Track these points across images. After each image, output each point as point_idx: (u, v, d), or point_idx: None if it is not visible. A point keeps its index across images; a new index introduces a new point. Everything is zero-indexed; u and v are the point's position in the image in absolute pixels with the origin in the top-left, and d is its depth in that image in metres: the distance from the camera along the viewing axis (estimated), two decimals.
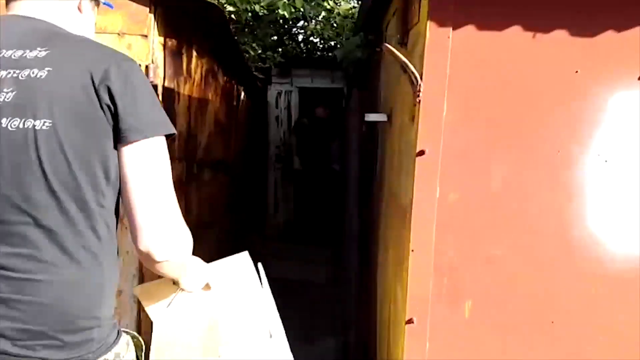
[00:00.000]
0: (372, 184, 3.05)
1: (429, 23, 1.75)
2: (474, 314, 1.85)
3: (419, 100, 1.78)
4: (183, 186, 3.33)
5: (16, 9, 1.10)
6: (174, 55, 3.05)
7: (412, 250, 1.81)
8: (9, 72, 0.98)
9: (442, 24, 1.75)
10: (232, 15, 5.10)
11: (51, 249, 0.96)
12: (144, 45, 2.72)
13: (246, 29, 5.02)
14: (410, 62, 1.86)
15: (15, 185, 0.95)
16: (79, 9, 1.16)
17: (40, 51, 0.99)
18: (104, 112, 0.97)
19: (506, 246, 1.83)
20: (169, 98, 2.95)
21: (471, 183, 1.81)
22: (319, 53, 7.46)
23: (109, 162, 0.99)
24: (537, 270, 1.83)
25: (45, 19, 1.09)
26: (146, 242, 1.01)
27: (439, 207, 1.81)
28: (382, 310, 2.47)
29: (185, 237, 1.08)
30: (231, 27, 4.55)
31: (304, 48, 8.64)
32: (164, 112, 1.08)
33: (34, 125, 0.94)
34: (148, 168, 1.02)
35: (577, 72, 1.77)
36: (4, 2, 1.14)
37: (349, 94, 6.61)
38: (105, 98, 0.97)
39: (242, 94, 5.51)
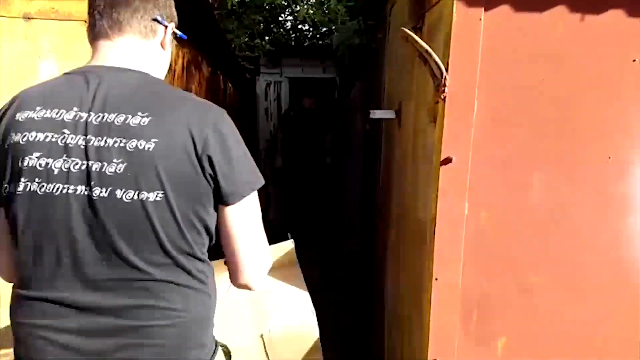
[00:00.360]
0: (375, 188, 2.72)
1: (455, 3, 1.42)
2: (508, 353, 1.55)
3: (444, 97, 1.45)
4: None
5: (103, 53, 1.11)
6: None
7: (436, 279, 1.50)
8: (116, 141, 1.00)
9: (471, 3, 1.43)
10: (216, 1, 4.73)
11: (170, 296, 1.07)
12: None
13: (232, 16, 4.65)
14: (422, 53, 1.54)
15: (133, 250, 1.03)
16: (162, 45, 1.18)
17: (142, 117, 1.01)
18: (206, 179, 1.04)
19: (546, 273, 1.53)
20: None
21: (506, 198, 1.50)
22: (308, 41, 7.08)
23: (211, 221, 1.09)
24: (583, 301, 1.53)
25: (136, 67, 1.10)
26: (246, 279, 1.16)
27: (468, 227, 1.50)
28: (393, 341, 2.16)
29: (268, 265, 1.23)
30: (215, 13, 4.20)
31: (292, 36, 8.28)
32: (253, 162, 1.14)
33: (147, 198, 1.00)
34: (247, 221, 1.13)
35: (634, 61, 1.45)
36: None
37: (342, 85, 6.26)
38: (207, 168, 1.03)
39: (229, 86, 5.15)
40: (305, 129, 6.62)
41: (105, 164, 0.99)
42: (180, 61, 3.20)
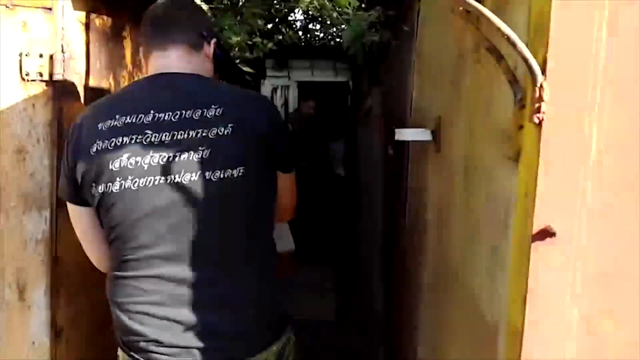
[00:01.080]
0: (397, 225, 2.08)
1: None
2: None
3: (539, 120, 0.81)
4: None
5: (161, 63, 1.30)
6: (109, 40, 2.08)
7: None
8: (198, 132, 1.17)
9: None
10: None
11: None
12: (48, 25, 1.76)
13: (230, 12, 4.06)
14: (493, 41, 0.90)
15: (221, 224, 1.22)
16: (207, 55, 1.37)
17: (216, 109, 1.19)
18: (271, 153, 1.27)
19: None
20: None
21: None
22: (319, 41, 6.45)
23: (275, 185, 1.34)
24: None
25: (191, 72, 1.28)
26: (290, 216, 1.50)
27: (580, 345, 0.85)
28: None
29: None
30: (210, 6, 3.59)
31: (302, 37, 7.67)
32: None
33: (232, 174, 1.17)
34: (293, 183, 1.42)
35: None
36: None
37: (356, 89, 5.61)
38: (271, 144, 1.26)
39: None
40: (306, 137, 5.97)
41: (192, 152, 1.15)
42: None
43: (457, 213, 1.29)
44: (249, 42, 4.23)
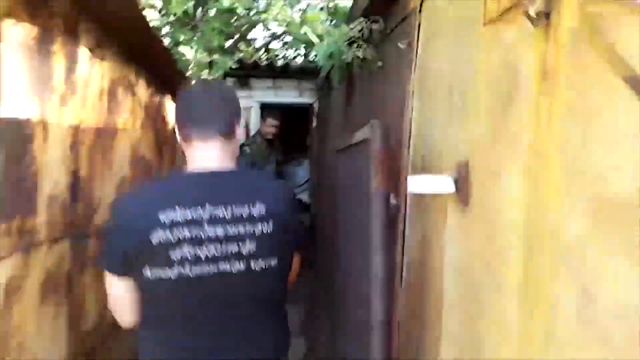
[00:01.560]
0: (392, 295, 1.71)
1: None
2: None
3: None
4: (69, 285, 1.94)
5: (202, 155, 1.40)
6: (35, 54, 1.65)
7: None
8: (247, 228, 1.34)
9: None
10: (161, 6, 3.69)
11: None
12: None
13: (186, 25, 3.66)
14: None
15: (251, 307, 1.44)
16: (238, 135, 1.48)
17: (259, 206, 1.35)
18: (294, 239, 1.48)
19: None
20: (18, 132, 1.56)
21: None
22: (283, 60, 6.09)
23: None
24: None
25: (228, 164, 1.43)
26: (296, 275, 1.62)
27: None
28: None
29: None
30: (165, 19, 3.17)
31: (263, 55, 7.30)
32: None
33: (269, 264, 1.38)
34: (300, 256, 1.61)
35: None
36: None
37: (322, 112, 5.28)
38: (294, 231, 1.47)
39: None
40: (264, 159, 5.54)
41: (242, 244, 1.34)
42: (98, 80, 2.16)
43: (498, 292, 0.93)
44: (207, 60, 3.81)
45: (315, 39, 3.29)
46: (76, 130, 2.01)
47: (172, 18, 3.94)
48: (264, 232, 1.34)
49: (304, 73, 5.95)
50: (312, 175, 6.34)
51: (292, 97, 6.25)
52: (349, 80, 3.15)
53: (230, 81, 6.13)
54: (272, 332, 1.49)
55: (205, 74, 3.75)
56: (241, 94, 6.15)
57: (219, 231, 1.31)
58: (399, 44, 1.72)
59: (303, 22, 3.80)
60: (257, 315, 1.44)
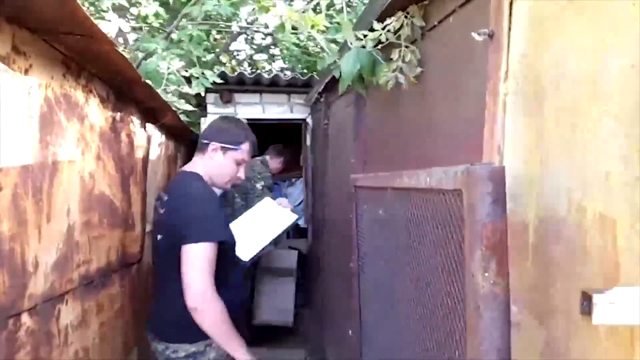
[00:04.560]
0: None
1: None
2: None
3: None
4: None
5: (190, 163, 2.24)
6: None
7: None
8: (162, 211, 2.11)
9: None
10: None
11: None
12: None
13: (158, 33, 3.04)
14: None
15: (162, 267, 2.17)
16: (210, 157, 2.19)
17: (167, 196, 2.12)
18: (180, 228, 1.97)
19: None
20: None
21: None
22: (268, 74, 5.47)
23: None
24: None
25: (195, 170, 2.17)
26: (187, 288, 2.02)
27: None
28: None
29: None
30: (133, 26, 2.52)
31: (247, 69, 6.70)
32: (207, 221, 2.00)
33: (157, 237, 2.15)
34: (187, 257, 1.95)
35: None
36: None
37: (320, 128, 4.65)
38: (176, 216, 2.05)
39: (155, 136, 3.44)
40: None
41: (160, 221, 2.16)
42: (25, 103, 1.51)
43: None
44: (185, 73, 3.17)
45: (327, 47, 2.66)
46: None
47: (141, 25, 3.31)
48: (162, 213, 2.11)
49: (295, 86, 5.34)
50: (309, 198, 5.70)
51: (282, 113, 5.62)
52: (357, 93, 2.53)
53: (211, 97, 5.50)
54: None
55: (180, 89, 3.10)
56: (225, 111, 5.52)
57: (161, 211, 2.14)
58: (474, 35, 1.10)
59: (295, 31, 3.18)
60: (166, 273, 2.09)
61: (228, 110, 5.54)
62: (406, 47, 1.53)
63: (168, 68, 2.93)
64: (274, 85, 5.39)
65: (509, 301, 0.71)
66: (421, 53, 1.58)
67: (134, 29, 3.84)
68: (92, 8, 4.41)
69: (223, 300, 1.92)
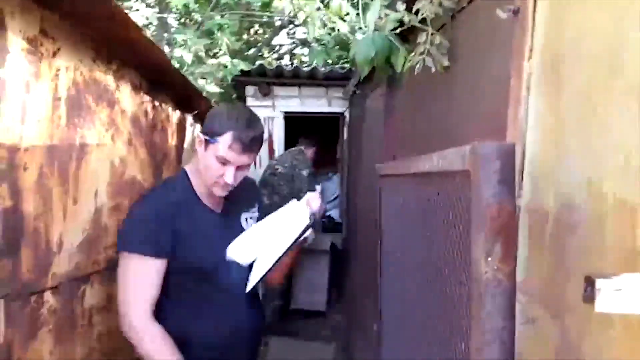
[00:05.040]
0: None
1: None
2: None
3: None
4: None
5: None
6: None
7: None
8: None
9: None
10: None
11: None
12: None
13: (185, 23, 3.06)
14: None
15: None
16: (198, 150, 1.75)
17: None
18: None
19: None
20: None
21: None
22: (306, 68, 5.45)
23: None
24: None
25: (187, 166, 1.90)
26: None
27: None
28: None
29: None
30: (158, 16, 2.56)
31: (289, 62, 6.71)
32: (125, 228, 1.79)
33: None
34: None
35: None
36: None
37: (355, 121, 4.60)
38: None
39: (193, 127, 3.48)
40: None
41: None
42: (51, 86, 1.53)
43: None
44: (213, 59, 3.17)
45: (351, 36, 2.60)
46: (12, 152, 1.39)
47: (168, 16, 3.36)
48: None
49: (333, 79, 5.31)
50: (344, 193, 5.66)
51: (320, 106, 5.60)
52: (390, 82, 2.48)
53: (251, 90, 5.53)
54: None
55: (207, 80, 3.11)
56: (263, 103, 5.54)
57: None
58: (499, 12, 1.04)
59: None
60: None
61: (266, 103, 5.56)
62: (432, 32, 1.47)
63: (194, 56, 2.94)
64: (312, 78, 5.37)
65: (514, 289, 0.65)
66: (451, 36, 1.52)
67: (160, 20, 3.89)
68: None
69: (198, 329, 1.71)
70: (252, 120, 1.68)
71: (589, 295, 0.48)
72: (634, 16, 0.67)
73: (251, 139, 1.63)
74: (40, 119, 1.53)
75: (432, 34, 1.45)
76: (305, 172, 4.92)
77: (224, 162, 1.64)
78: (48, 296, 1.62)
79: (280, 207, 2.03)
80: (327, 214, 6.31)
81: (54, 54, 1.59)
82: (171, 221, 1.70)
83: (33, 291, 1.53)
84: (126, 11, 1.70)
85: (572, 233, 0.78)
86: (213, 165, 1.65)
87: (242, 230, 1.84)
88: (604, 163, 0.72)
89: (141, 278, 1.63)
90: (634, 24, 0.67)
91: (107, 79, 2.00)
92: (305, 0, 2.63)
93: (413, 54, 1.52)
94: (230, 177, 1.64)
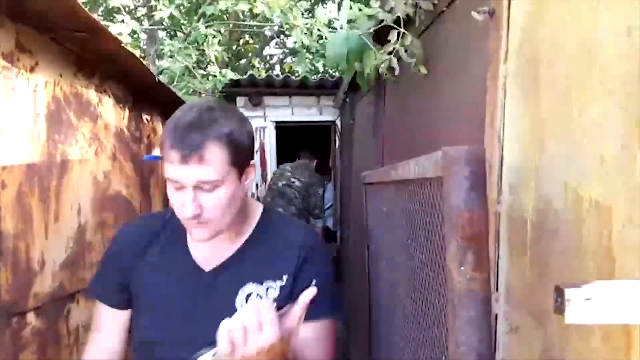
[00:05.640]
0: None
1: None
2: None
3: None
4: None
5: None
6: None
7: None
8: None
9: None
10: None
11: None
12: None
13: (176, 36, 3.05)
14: None
15: None
16: None
17: None
18: None
19: None
20: None
21: None
22: (298, 76, 5.44)
23: None
24: None
25: None
26: None
27: None
28: None
29: None
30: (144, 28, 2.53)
31: (279, 72, 6.71)
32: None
33: None
34: None
35: None
36: None
37: (347, 130, 4.59)
38: None
39: None
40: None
41: None
42: (31, 101, 1.51)
43: None
44: (199, 70, 3.15)
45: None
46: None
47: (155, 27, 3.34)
48: None
49: (324, 88, 5.30)
50: (337, 201, 5.64)
51: (311, 115, 5.59)
52: (377, 89, 2.46)
53: (241, 100, 5.52)
54: None
55: (191, 93, 3.08)
56: (254, 114, 5.53)
57: None
58: (474, 14, 1.02)
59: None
60: None
61: (258, 113, 5.55)
62: (417, 36, 1.46)
63: (183, 68, 2.93)
64: (303, 87, 5.36)
65: (489, 298, 0.63)
66: (430, 41, 1.50)
67: (149, 33, 3.88)
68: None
69: None
70: (203, 118, 1.04)
71: (559, 306, 0.46)
72: (608, 11, 0.66)
73: (192, 143, 1.00)
74: (18, 136, 1.51)
75: (402, 34, 1.44)
76: (320, 192, 5.04)
77: (177, 185, 1.05)
78: (31, 317, 1.59)
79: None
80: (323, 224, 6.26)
81: (32, 69, 1.57)
82: (133, 264, 1.22)
83: (14, 312, 1.50)
84: (106, 24, 1.68)
85: (552, 238, 0.76)
86: (170, 195, 1.08)
87: (233, 310, 0.95)
88: (580, 165, 0.70)
89: (96, 317, 1.26)
90: (608, 10, 0.66)
91: (89, 92, 1.98)
92: (288, 10, 2.62)
93: (382, 51, 1.51)
94: (188, 205, 1.03)
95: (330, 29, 2.65)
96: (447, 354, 0.77)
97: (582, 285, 0.46)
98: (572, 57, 0.74)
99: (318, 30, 2.39)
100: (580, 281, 0.52)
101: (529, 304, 0.84)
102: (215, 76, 3.10)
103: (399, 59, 1.54)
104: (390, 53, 1.46)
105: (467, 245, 0.62)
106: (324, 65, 5.52)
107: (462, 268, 0.62)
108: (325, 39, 2.83)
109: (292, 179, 4.95)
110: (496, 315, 0.87)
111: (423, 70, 1.48)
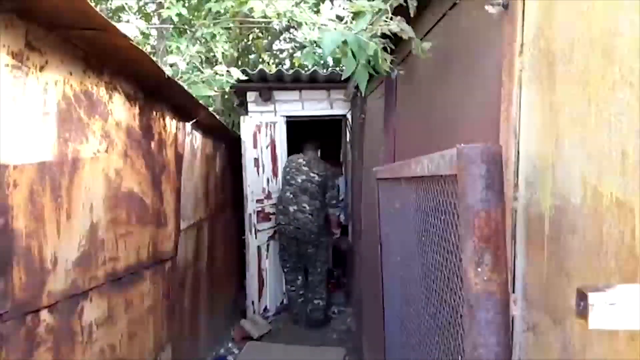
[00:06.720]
0: None
1: None
2: None
3: None
4: None
5: None
6: None
7: None
8: None
9: None
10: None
11: None
12: None
13: (185, 33, 3.04)
14: None
15: None
16: None
17: None
18: None
19: None
20: None
21: None
22: (308, 70, 5.41)
23: None
24: None
25: None
26: None
27: None
28: None
29: None
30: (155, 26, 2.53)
31: (289, 67, 6.68)
32: None
33: None
34: None
35: None
36: None
37: (358, 124, 4.56)
38: None
39: (192, 136, 3.45)
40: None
41: None
42: (41, 99, 1.50)
43: None
44: (209, 69, 3.13)
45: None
46: (0, 170, 1.37)
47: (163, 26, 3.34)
48: None
49: (334, 82, 5.27)
50: (349, 195, 5.62)
51: (322, 109, 5.56)
52: (388, 83, 2.43)
53: (252, 95, 5.51)
54: None
55: (201, 89, 3.08)
56: (265, 108, 5.51)
57: None
58: (488, 7, 1.00)
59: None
60: None
61: (268, 108, 5.53)
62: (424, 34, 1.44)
63: (187, 64, 2.92)
64: (313, 82, 5.33)
65: (507, 300, 0.61)
66: (443, 37, 1.48)
67: (159, 31, 3.89)
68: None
69: None
70: None
71: (582, 311, 0.44)
72: (627, 0, 0.63)
73: None
74: (29, 135, 1.51)
75: (397, 23, 1.42)
76: (336, 183, 5.17)
77: None
78: (45, 315, 1.59)
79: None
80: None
81: (42, 68, 1.57)
82: None
83: (28, 310, 1.51)
84: (114, 23, 1.67)
85: (571, 236, 0.74)
86: None
87: None
88: (600, 161, 0.68)
89: None
90: (627, 8, 0.63)
91: (99, 90, 1.97)
92: (295, 6, 2.60)
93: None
94: None
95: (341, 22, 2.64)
96: (462, 354, 0.76)
97: (606, 289, 0.45)
98: (589, 49, 0.72)
99: (324, 25, 2.38)
100: (602, 283, 0.50)
101: (547, 301, 0.82)
102: (222, 75, 3.09)
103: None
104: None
105: (485, 246, 0.60)
106: (334, 60, 5.49)
107: (479, 269, 0.61)
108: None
109: (312, 174, 4.95)
110: (513, 316, 0.85)
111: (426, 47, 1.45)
